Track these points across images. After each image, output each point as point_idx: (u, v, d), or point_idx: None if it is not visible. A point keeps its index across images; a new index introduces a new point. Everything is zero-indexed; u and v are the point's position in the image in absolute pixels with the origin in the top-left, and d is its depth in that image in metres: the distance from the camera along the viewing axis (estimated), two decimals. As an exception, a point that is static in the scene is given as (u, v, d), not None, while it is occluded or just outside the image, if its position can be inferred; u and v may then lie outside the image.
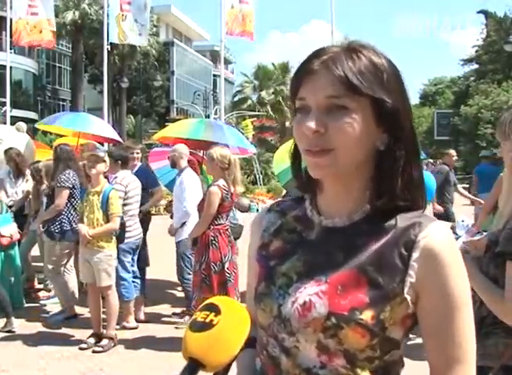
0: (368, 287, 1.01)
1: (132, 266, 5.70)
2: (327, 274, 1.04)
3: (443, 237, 1.03)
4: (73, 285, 5.98)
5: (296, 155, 1.13)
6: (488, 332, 1.82)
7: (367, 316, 0.99)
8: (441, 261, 1.01)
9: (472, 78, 44.25)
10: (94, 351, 4.91)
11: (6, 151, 6.52)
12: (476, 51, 43.71)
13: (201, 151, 8.39)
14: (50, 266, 5.85)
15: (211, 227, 4.82)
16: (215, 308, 0.93)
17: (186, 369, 0.90)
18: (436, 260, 1.01)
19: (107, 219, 4.98)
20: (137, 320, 5.67)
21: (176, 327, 5.60)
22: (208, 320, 0.91)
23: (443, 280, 1.01)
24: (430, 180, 5.20)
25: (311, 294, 1.03)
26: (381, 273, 1.02)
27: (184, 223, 5.71)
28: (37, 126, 9.85)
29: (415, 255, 1.01)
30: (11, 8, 15.23)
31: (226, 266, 4.75)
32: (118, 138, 9.16)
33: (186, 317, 5.73)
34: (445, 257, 1.01)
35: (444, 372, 1.04)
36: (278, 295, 1.07)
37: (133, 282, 5.68)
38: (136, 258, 5.79)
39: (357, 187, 1.08)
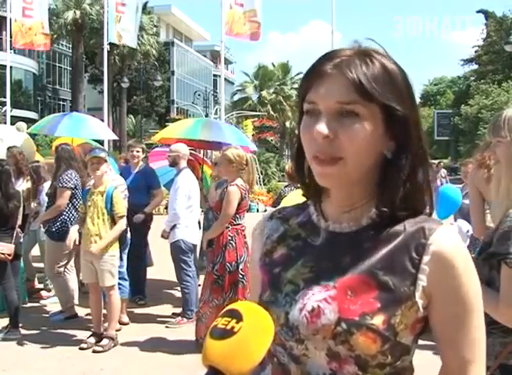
0: (378, 291, 1.00)
1: (120, 267, 5.67)
2: (335, 279, 1.03)
3: (453, 241, 1.03)
4: (73, 285, 5.98)
5: (299, 160, 1.10)
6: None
7: (378, 320, 0.98)
8: (453, 265, 1.00)
9: (472, 78, 44.24)
10: (94, 351, 4.91)
11: (9, 148, 6.57)
12: (476, 52, 43.68)
13: (201, 151, 8.37)
14: (50, 266, 5.85)
15: (230, 227, 4.78)
16: (236, 315, 0.88)
17: None
18: (448, 264, 1.00)
19: (111, 219, 4.99)
20: (120, 323, 5.52)
21: (167, 327, 5.62)
22: (228, 327, 0.87)
23: (456, 284, 1.01)
24: (456, 194, 5.03)
25: (320, 299, 1.01)
26: (391, 276, 1.00)
27: (175, 226, 5.69)
28: (29, 130, 9.76)
29: (426, 258, 1.00)
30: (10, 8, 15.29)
31: (241, 267, 4.70)
32: (115, 137, 9.28)
33: (178, 318, 5.73)
34: (457, 261, 1.01)
35: (458, 372, 1.04)
36: (284, 303, 1.05)
37: (119, 284, 5.57)
38: (125, 257, 5.77)
39: (363, 194, 1.06)
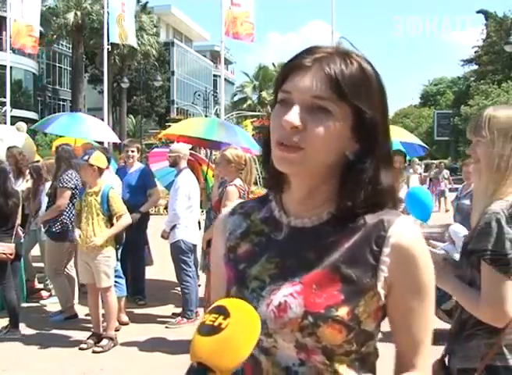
0: (341, 284, 1.03)
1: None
2: (300, 275, 1.05)
3: (411, 232, 1.07)
4: (73, 285, 5.98)
5: (267, 148, 1.10)
6: (470, 334, 1.81)
7: (343, 312, 1.01)
8: (411, 254, 1.05)
9: (472, 78, 44.19)
10: (94, 351, 4.91)
11: (9, 148, 6.57)
12: (476, 52, 43.63)
13: (201, 152, 8.33)
14: (50, 266, 5.85)
15: None
16: (223, 311, 0.90)
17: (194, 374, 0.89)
18: (407, 254, 1.05)
19: (107, 219, 4.97)
20: (120, 323, 5.53)
21: (167, 327, 5.62)
22: (216, 324, 0.89)
23: (414, 271, 1.06)
24: (428, 199, 4.98)
25: (286, 295, 1.04)
26: (353, 269, 1.04)
27: (175, 226, 5.70)
28: (32, 127, 9.95)
29: (386, 250, 1.04)
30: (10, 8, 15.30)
31: None
32: (115, 140, 9.21)
33: (178, 318, 5.73)
34: (415, 250, 1.05)
35: (410, 353, 1.09)
36: (252, 298, 1.07)
37: (115, 282, 5.54)
38: (118, 255, 5.74)
39: (324, 189, 1.09)
